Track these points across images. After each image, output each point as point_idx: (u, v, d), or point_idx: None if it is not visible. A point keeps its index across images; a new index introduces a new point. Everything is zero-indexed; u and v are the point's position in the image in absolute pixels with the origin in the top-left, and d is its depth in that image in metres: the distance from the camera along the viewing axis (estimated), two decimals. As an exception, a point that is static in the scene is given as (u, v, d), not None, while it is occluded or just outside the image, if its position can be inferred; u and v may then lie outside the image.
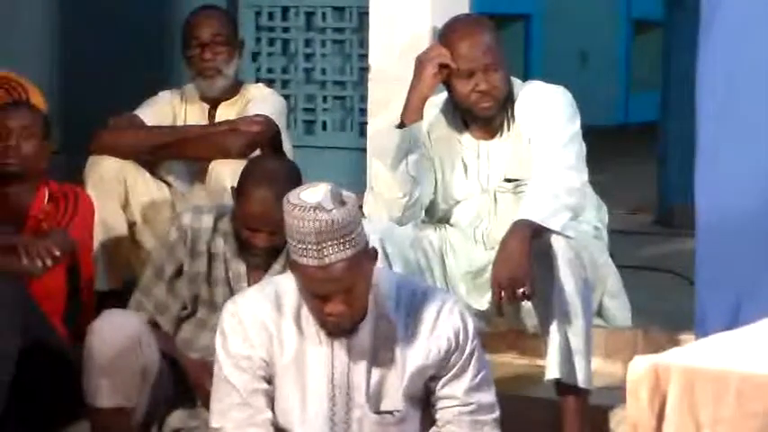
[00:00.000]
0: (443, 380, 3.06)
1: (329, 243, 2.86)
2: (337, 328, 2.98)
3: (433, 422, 3.11)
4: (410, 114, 3.72)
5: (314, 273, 2.88)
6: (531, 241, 3.45)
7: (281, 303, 3.03)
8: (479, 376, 3.07)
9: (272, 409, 3.05)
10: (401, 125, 3.72)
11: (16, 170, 3.90)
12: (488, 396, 3.09)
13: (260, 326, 3.03)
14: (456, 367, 3.05)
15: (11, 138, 3.88)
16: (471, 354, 3.05)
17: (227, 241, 3.64)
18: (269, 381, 3.05)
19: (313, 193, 2.88)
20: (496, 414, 3.10)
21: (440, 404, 3.08)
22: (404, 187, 3.72)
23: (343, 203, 2.88)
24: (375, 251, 2.98)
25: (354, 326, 3.00)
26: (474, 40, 3.69)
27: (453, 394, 3.06)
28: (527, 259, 3.41)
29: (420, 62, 3.73)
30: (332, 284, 2.89)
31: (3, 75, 4.62)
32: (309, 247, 2.86)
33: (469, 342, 3.05)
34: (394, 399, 3.05)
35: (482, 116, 3.75)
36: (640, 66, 10.77)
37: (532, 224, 3.48)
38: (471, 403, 3.06)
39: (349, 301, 2.93)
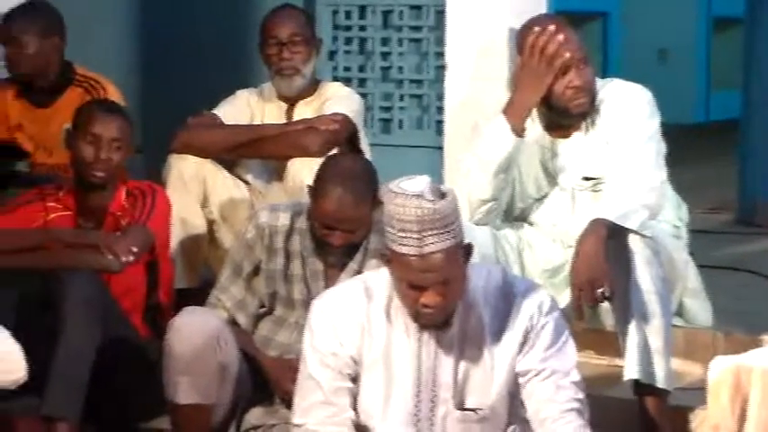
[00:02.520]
0: (520, 357, 3.06)
1: (430, 232, 2.88)
2: (430, 320, 3.00)
3: (516, 421, 3.10)
4: (522, 122, 3.70)
5: (413, 261, 2.90)
6: (606, 240, 3.43)
7: (370, 296, 3.06)
8: (554, 346, 3.05)
9: (355, 407, 3.07)
10: (518, 134, 3.70)
11: (102, 182, 3.95)
12: (564, 362, 3.05)
13: (350, 320, 3.05)
14: (529, 342, 3.05)
15: (101, 150, 3.91)
16: (543, 327, 3.04)
17: (303, 239, 3.66)
18: (354, 379, 3.07)
19: (415, 183, 2.91)
20: (576, 378, 3.06)
21: (521, 380, 3.06)
22: (496, 192, 3.73)
23: (443, 195, 2.91)
24: (470, 246, 2.99)
25: (446, 319, 3.01)
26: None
27: (529, 367, 3.04)
28: (604, 259, 3.40)
29: (533, 69, 3.68)
30: (429, 274, 2.91)
31: (83, 73, 4.69)
32: (410, 235, 2.89)
33: (542, 317, 3.05)
34: (479, 396, 3.05)
35: (576, 112, 3.73)
36: (721, 63, 10.67)
37: (609, 223, 3.47)
38: (545, 369, 3.03)
39: (444, 293, 2.94)
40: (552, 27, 3.69)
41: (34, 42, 4.56)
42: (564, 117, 3.76)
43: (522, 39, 3.75)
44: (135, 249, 3.80)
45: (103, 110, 4.01)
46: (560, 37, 3.68)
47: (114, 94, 4.61)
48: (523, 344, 3.05)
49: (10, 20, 4.59)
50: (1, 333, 3.23)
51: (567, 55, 3.66)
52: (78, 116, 4.01)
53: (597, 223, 3.48)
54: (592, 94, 3.72)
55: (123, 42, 5.38)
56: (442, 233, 2.90)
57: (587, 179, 3.78)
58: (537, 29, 3.70)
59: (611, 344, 3.84)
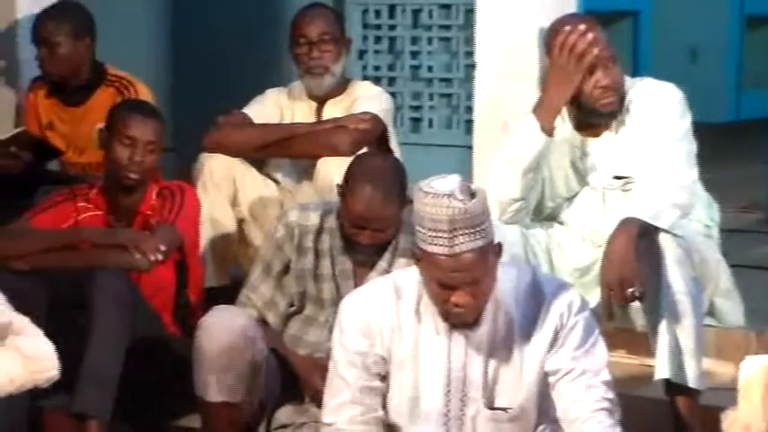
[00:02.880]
0: (549, 356, 3.05)
1: (461, 232, 2.89)
2: (460, 320, 3.00)
3: (546, 420, 3.10)
4: (552, 121, 3.70)
5: (443, 261, 2.91)
6: (637, 239, 3.43)
7: (400, 295, 3.06)
8: (584, 345, 3.04)
9: (384, 406, 3.08)
10: (548, 133, 3.70)
11: (135, 183, 3.97)
12: (594, 362, 3.05)
13: (379, 319, 3.06)
14: (559, 341, 3.04)
15: (137, 152, 3.94)
16: (573, 326, 3.04)
17: (333, 238, 3.67)
18: (383, 378, 3.07)
19: (445, 183, 2.91)
20: (607, 378, 3.06)
21: (550, 380, 3.06)
22: (525, 191, 3.73)
23: (473, 195, 2.91)
24: (500, 246, 2.99)
25: (476, 318, 3.01)
26: None
27: (559, 367, 3.04)
28: (635, 258, 3.39)
29: (563, 68, 3.68)
30: (460, 274, 2.91)
31: (114, 73, 4.71)
32: (441, 234, 2.89)
33: (572, 317, 3.04)
34: (509, 395, 3.05)
35: (604, 112, 3.73)
36: (753, 61, 10.61)
37: (640, 222, 3.47)
38: (575, 369, 3.03)
39: (475, 293, 2.95)
40: (582, 26, 3.69)
41: (67, 43, 4.59)
42: (593, 116, 3.76)
43: (550, 38, 3.75)
44: (163, 248, 3.82)
45: (140, 112, 4.03)
46: (589, 36, 3.68)
47: (145, 94, 4.63)
48: (553, 343, 3.04)
49: (43, 21, 4.62)
50: (34, 332, 3.25)
51: (596, 51, 3.66)
52: (113, 118, 4.03)
53: (628, 222, 3.47)
54: (620, 94, 3.72)
55: (154, 41, 5.41)
56: (472, 233, 2.91)
57: (618, 178, 3.78)
58: (567, 28, 3.70)
59: (642, 343, 3.83)
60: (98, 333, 3.67)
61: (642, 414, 3.61)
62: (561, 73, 3.69)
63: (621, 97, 3.75)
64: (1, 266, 3.82)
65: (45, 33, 4.58)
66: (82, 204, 4.05)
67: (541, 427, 3.11)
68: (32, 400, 3.32)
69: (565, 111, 3.78)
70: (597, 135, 3.81)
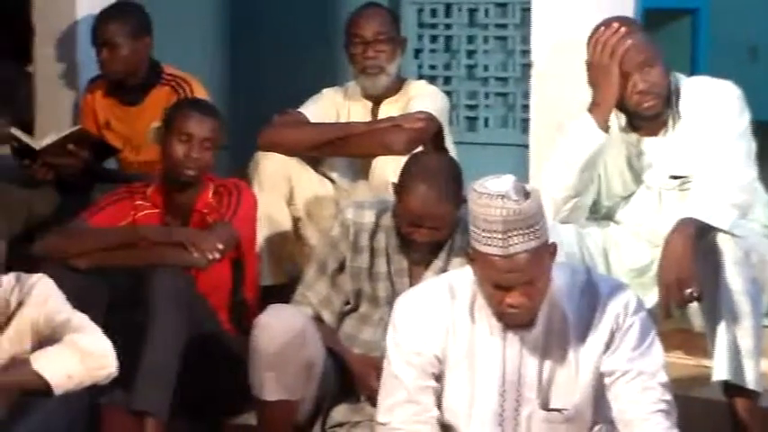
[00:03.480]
0: (605, 357, 3.04)
1: (515, 232, 2.88)
2: (515, 321, 3.00)
3: (602, 421, 3.10)
4: (606, 119, 3.71)
5: (497, 262, 2.90)
6: (695, 240, 3.41)
7: (454, 295, 3.06)
8: (641, 347, 3.03)
9: (439, 406, 3.08)
10: (605, 129, 3.70)
11: (192, 180, 4.00)
12: (650, 363, 3.03)
13: (434, 319, 3.06)
14: (615, 342, 3.03)
15: (194, 149, 3.97)
16: (629, 327, 3.03)
17: (389, 236, 3.68)
18: (438, 378, 3.07)
19: (499, 183, 2.91)
20: (663, 379, 3.04)
21: (606, 381, 3.05)
22: (580, 190, 3.72)
23: (527, 195, 2.90)
24: (555, 246, 2.99)
25: (531, 319, 3.01)
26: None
27: (615, 368, 3.03)
28: (692, 259, 3.38)
29: (604, 66, 3.69)
30: (514, 275, 2.91)
31: (170, 72, 4.75)
32: (495, 235, 2.89)
33: (628, 318, 3.03)
34: (564, 396, 3.05)
35: (647, 115, 3.73)
36: (813, 59, 10.50)
37: (697, 222, 3.45)
38: (631, 370, 3.01)
39: (529, 294, 2.94)
40: (616, 24, 3.70)
41: (127, 43, 4.64)
42: (638, 119, 3.76)
43: (590, 37, 3.77)
44: (220, 247, 3.84)
45: (197, 109, 4.06)
46: (622, 30, 3.68)
47: (201, 92, 4.67)
48: (609, 344, 3.03)
49: (103, 22, 4.66)
50: (92, 329, 3.29)
51: (629, 41, 3.65)
52: (171, 114, 4.06)
53: (685, 222, 3.46)
54: (661, 95, 3.70)
55: (211, 40, 5.44)
56: (526, 233, 2.90)
57: (674, 178, 3.76)
58: (602, 28, 3.72)
59: (700, 344, 3.81)
60: (156, 331, 3.70)
61: (700, 416, 3.59)
62: (601, 70, 3.69)
63: (676, 97, 3.73)
64: (60, 265, 3.86)
65: (106, 34, 4.63)
66: (139, 202, 4.08)
67: (597, 428, 3.10)
68: (92, 397, 3.35)
69: (621, 111, 3.78)
70: (653, 134, 3.79)
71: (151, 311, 3.71)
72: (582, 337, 3.04)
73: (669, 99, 3.73)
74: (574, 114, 3.80)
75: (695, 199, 3.55)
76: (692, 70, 6.81)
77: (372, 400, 3.37)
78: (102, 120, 4.80)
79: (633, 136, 3.81)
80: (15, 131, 4.64)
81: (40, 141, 4.63)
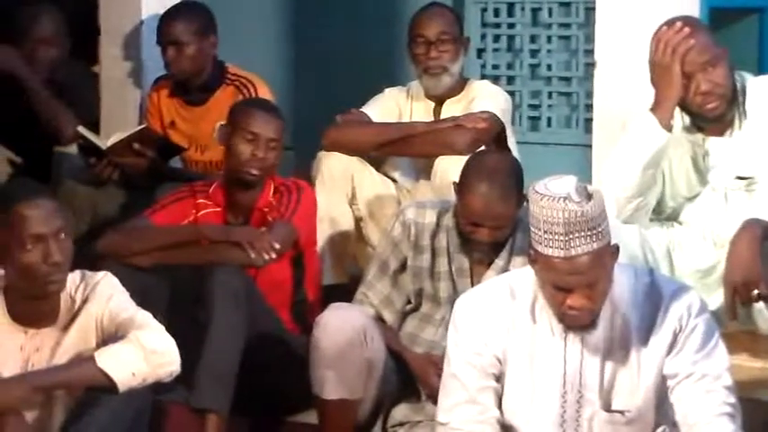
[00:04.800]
0: (668, 359, 3.03)
1: (577, 234, 2.87)
2: (576, 322, 2.99)
3: (665, 422, 3.08)
4: (669, 117, 3.69)
5: (559, 264, 2.89)
6: (761, 241, 3.38)
7: (515, 296, 3.06)
8: (704, 349, 3.01)
9: (500, 406, 3.08)
10: (668, 128, 3.69)
11: (256, 180, 4.02)
12: (714, 365, 3.01)
13: (495, 320, 3.05)
14: (678, 344, 3.01)
15: (258, 148, 3.99)
16: (693, 329, 3.01)
17: (450, 236, 3.68)
18: (498, 378, 3.07)
19: (561, 184, 2.90)
20: (728, 382, 3.02)
21: (669, 383, 3.03)
22: (643, 189, 3.70)
23: (590, 197, 2.89)
24: (617, 248, 2.97)
25: (592, 320, 3.00)
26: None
27: (678, 370, 3.01)
28: (759, 260, 3.35)
29: (666, 65, 3.67)
30: (576, 277, 2.90)
31: (234, 72, 4.77)
32: (556, 237, 2.88)
33: (692, 320, 3.01)
34: (626, 398, 3.03)
35: (710, 116, 3.71)
36: None
37: (764, 223, 3.42)
38: (695, 372, 3.00)
39: (591, 296, 2.93)
40: (679, 23, 3.68)
41: (193, 43, 4.67)
42: (701, 120, 3.73)
43: (653, 37, 3.75)
44: (277, 246, 3.86)
45: (263, 109, 4.08)
46: (685, 30, 3.65)
47: (265, 92, 4.69)
48: (672, 346, 3.01)
49: (169, 22, 4.69)
50: (156, 327, 3.31)
51: (691, 42, 3.63)
52: (236, 114, 4.09)
53: (752, 223, 3.43)
54: (725, 96, 3.68)
55: (274, 41, 5.46)
56: (588, 235, 2.88)
57: (740, 178, 3.73)
58: (665, 27, 3.70)
59: (765, 346, 3.78)
60: (215, 329, 3.72)
61: (765, 419, 3.56)
62: (663, 69, 3.67)
63: (742, 97, 3.70)
64: (123, 263, 3.90)
65: (172, 34, 4.66)
66: (201, 201, 4.11)
67: (660, 430, 3.08)
68: (154, 394, 3.37)
69: (686, 112, 3.76)
70: (719, 134, 3.77)
71: (210, 309, 3.73)
72: (644, 338, 3.02)
73: (735, 99, 3.70)
74: (637, 114, 3.79)
75: (761, 200, 3.52)
76: (759, 69, 6.74)
77: (433, 400, 3.37)
78: (167, 119, 4.83)
79: (698, 136, 3.78)
80: (82, 131, 4.70)
81: (106, 140, 4.67)
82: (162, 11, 4.83)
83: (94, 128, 4.93)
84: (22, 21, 5.16)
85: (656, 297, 3.04)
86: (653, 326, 3.02)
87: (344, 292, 4.02)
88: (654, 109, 3.70)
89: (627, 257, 3.56)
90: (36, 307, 3.33)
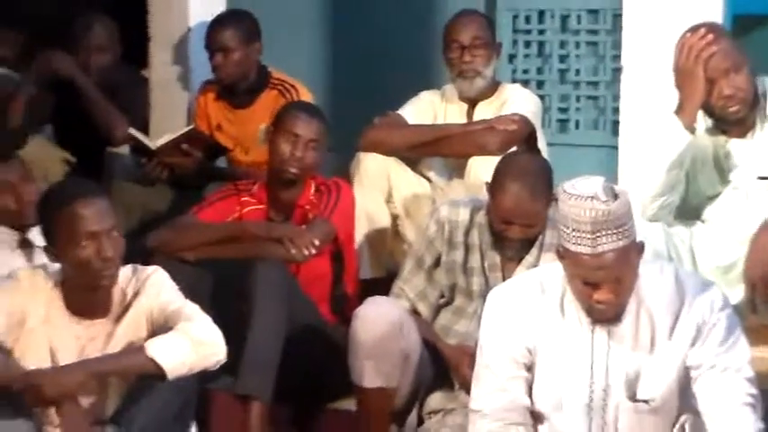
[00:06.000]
0: (692, 351, 3.03)
1: (603, 233, 2.88)
2: (603, 316, 3.00)
3: (687, 411, 3.08)
4: (692, 120, 3.69)
5: (586, 260, 2.90)
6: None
7: (545, 289, 3.06)
8: (727, 342, 3.01)
9: (530, 395, 3.09)
10: (691, 130, 3.69)
11: (294, 178, 4.04)
12: (736, 358, 3.01)
13: (525, 312, 3.06)
14: (701, 337, 3.02)
15: (297, 147, 4.01)
16: (715, 323, 3.01)
17: (482, 233, 3.69)
18: (529, 368, 3.08)
19: (588, 184, 2.91)
20: (749, 374, 3.01)
21: (692, 374, 3.03)
22: (668, 189, 3.70)
23: (616, 196, 2.90)
24: (642, 245, 2.97)
25: (618, 314, 3.01)
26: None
27: (701, 362, 3.01)
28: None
29: (690, 70, 3.67)
30: (602, 273, 2.91)
31: (277, 77, 4.79)
32: (584, 235, 2.89)
33: (714, 314, 3.01)
34: (650, 387, 3.04)
35: (732, 119, 3.70)
36: None
37: (784, 220, 3.42)
38: (717, 364, 3.00)
39: (617, 291, 2.94)
40: (702, 30, 3.67)
41: (240, 49, 4.69)
42: (724, 123, 3.72)
43: (677, 42, 3.74)
44: (316, 242, 3.88)
45: (305, 111, 4.11)
46: (709, 36, 3.64)
47: (306, 96, 4.70)
48: (695, 339, 3.01)
49: (217, 29, 4.71)
50: (203, 318, 3.33)
51: (714, 48, 3.61)
52: (280, 116, 4.11)
53: (773, 220, 3.43)
54: (746, 100, 3.67)
55: (314, 48, 5.47)
56: (615, 233, 2.89)
57: (762, 179, 3.73)
58: (689, 34, 3.69)
59: (785, 340, 3.77)
60: (258, 320, 3.74)
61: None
62: (687, 73, 3.67)
63: (764, 99, 3.69)
64: (171, 257, 3.92)
65: (220, 40, 4.68)
66: (245, 199, 4.13)
67: (683, 418, 3.08)
68: (201, 382, 3.39)
69: (708, 113, 3.76)
70: (740, 136, 3.76)
71: (254, 302, 3.75)
72: (668, 332, 3.02)
73: (756, 102, 3.70)
74: (662, 117, 3.78)
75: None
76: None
77: (466, 389, 3.38)
78: (214, 121, 4.86)
79: (720, 138, 3.78)
80: (133, 132, 4.73)
81: (156, 141, 4.70)
82: (209, 18, 4.85)
83: (145, 129, 4.97)
84: (77, 29, 5.22)
85: (680, 292, 3.04)
86: (677, 319, 3.02)
87: (381, 286, 4.03)
88: (678, 112, 3.70)
89: (652, 254, 3.55)
90: (90, 299, 3.35)
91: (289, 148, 4.00)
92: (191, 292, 3.44)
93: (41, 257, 3.41)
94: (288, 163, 4.00)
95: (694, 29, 3.72)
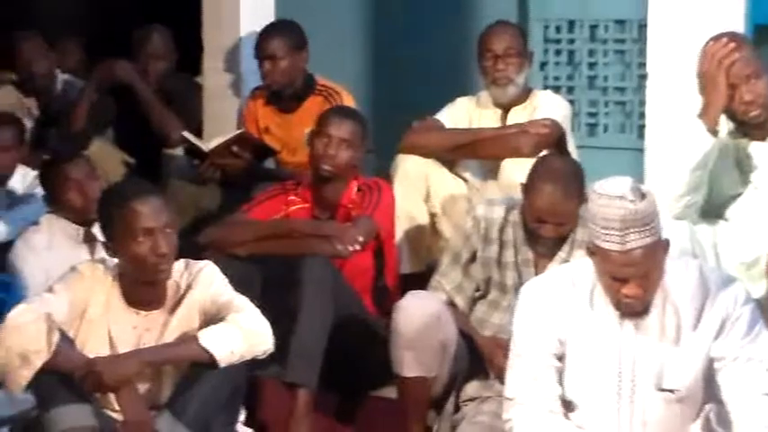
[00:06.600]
0: (715, 344, 3.00)
1: (631, 230, 2.86)
2: (631, 309, 2.97)
3: (712, 400, 3.04)
4: (714, 123, 3.65)
5: (615, 257, 2.88)
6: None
7: (575, 284, 3.04)
8: (750, 335, 2.98)
9: (561, 384, 3.06)
10: (714, 133, 3.65)
11: (328, 175, 4.02)
12: (759, 350, 2.97)
13: (557, 305, 3.04)
14: (725, 331, 2.99)
15: (330, 146, 4.00)
16: (738, 317, 2.98)
17: (516, 230, 3.66)
18: (560, 358, 3.06)
19: (618, 185, 2.89)
20: None
21: (716, 365, 3.00)
22: (692, 189, 3.66)
23: (643, 196, 2.88)
24: (668, 242, 2.95)
25: (645, 308, 2.98)
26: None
27: (724, 354, 2.98)
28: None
29: (712, 77, 3.63)
30: (631, 269, 2.89)
31: (322, 83, 4.78)
32: (613, 233, 2.87)
33: (737, 308, 2.98)
34: (676, 378, 3.01)
35: (753, 123, 3.67)
36: None
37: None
38: (740, 356, 2.97)
39: (644, 285, 2.92)
40: (725, 38, 3.64)
41: (287, 57, 4.68)
42: (747, 126, 3.68)
43: (701, 50, 3.70)
44: (361, 239, 3.86)
45: (339, 114, 4.12)
46: (731, 45, 3.61)
47: (349, 101, 4.69)
48: (719, 332, 2.99)
49: (266, 38, 4.71)
50: (252, 310, 3.32)
51: (736, 55, 3.57)
52: (319, 118, 4.13)
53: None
54: (766, 106, 3.63)
55: (357, 56, 5.46)
56: (642, 231, 2.87)
57: (783, 179, 3.69)
58: (712, 42, 3.65)
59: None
60: (306, 312, 3.72)
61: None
62: (710, 78, 3.64)
63: None
64: (222, 253, 3.91)
65: (269, 49, 4.67)
66: (291, 198, 4.12)
67: (708, 407, 3.05)
68: (250, 370, 3.38)
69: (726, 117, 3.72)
70: (761, 139, 3.74)
71: (301, 295, 3.74)
72: (693, 325, 3.00)
73: None
74: (686, 121, 3.75)
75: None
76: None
77: (501, 378, 3.35)
78: (263, 125, 4.85)
79: (742, 141, 3.75)
80: (187, 135, 4.73)
81: (209, 144, 4.70)
82: (258, 28, 4.85)
83: (198, 133, 4.97)
84: (136, 38, 5.24)
85: (704, 287, 3.01)
86: (701, 313, 3.00)
87: (420, 280, 4.01)
88: (701, 116, 3.66)
89: (677, 251, 3.51)
90: (146, 292, 3.35)
91: (322, 147, 3.99)
92: (241, 285, 3.43)
93: (104, 251, 3.40)
94: (321, 161, 4.00)
95: (717, 37, 3.69)
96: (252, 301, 3.35)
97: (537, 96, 4.47)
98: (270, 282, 3.92)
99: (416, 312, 3.54)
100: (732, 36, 3.70)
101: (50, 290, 3.32)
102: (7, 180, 4.72)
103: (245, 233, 4.00)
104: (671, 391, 3.01)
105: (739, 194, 3.77)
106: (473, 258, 3.72)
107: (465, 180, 4.48)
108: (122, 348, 3.30)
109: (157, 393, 3.32)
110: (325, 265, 3.80)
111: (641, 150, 4.60)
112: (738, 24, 4.19)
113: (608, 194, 2.88)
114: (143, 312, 3.35)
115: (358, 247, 3.86)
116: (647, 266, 2.90)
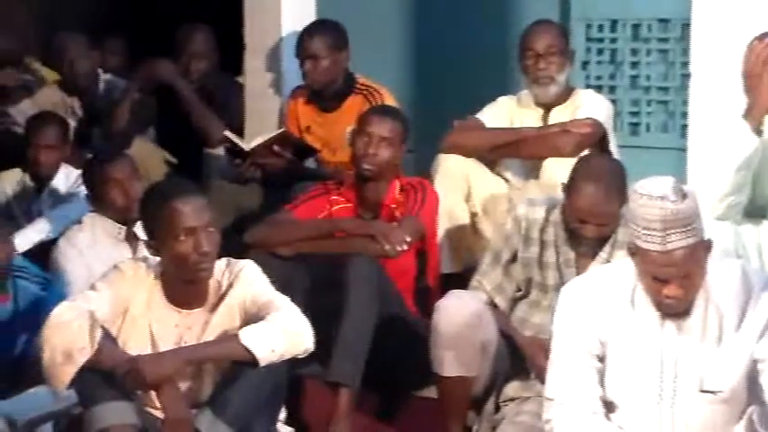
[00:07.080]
0: (759, 345, 2.97)
1: (673, 231, 2.84)
2: (672, 310, 2.96)
3: (755, 402, 3.01)
4: (759, 123, 3.62)
5: (656, 257, 2.87)
6: None
7: (617, 284, 3.03)
8: None
9: (602, 384, 3.05)
10: (758, 133, 3.62)
11: (369, 174, 4.03)
12: None
13: (598, 306, 3.03)
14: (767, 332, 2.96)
15: (371, 145, 4.00)
16: None
17: (557, 230, 3.65)
18: (601, 359, 3.04)
19: (659, 185, 2.88)
20: None
21: (759, 366, 2.98)
22: (736, 189, 3.64)
23: (685, 196, 2.86)
24: (710, 242, 2.93)
25: (687, 308, 2.96)
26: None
27: (767, 356, 2.96)
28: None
29: (757, 76, 3.61)
30: (672, 269, 2.88)
31: (363, 82, 4.79)
32: (654, 233, 2.85)
33: None
34: (719, 379, 2.99)
35: None
36: None
37: None
38: None
39: (685, 286, 2.91)
40: None
41: (328, 57, 4.69)
42: None
43: (746, 49, 3.67)
44: (408, 239, 3.87)
45: (378, 112, 4.14)
46: None
47: (389, 101, 4.69)
48: (762, 333, 2.96)
49: (307, 38, 4.72)
50: (292, 309, 3.33)
51: None
52: (360, 117, 4.15)
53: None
54: None
55: (399, 56, 5.46)
56: (683, 231, 2.86)
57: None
58: (756, 41, 3.62)
59: None
60: (350, 312, 3.73)
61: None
62: (754, 78, 3.60)
63: None
64: (266, 252, 3.92)
65: (310, 49, 4.69)
66: (334, 197, 4.13)
67: (751, 408, 3.03)
68: (292, 368, 3.39)
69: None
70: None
71: (347, 294, 3.74)
72: (736, 326, 2.98)
73: None
74: (729, 120, 3.72)
75: None
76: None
77: (541, 378, 3.34)
78: (304, 124, 4.86)
79: (785, 140, 3.70)
80: (228, 134, 4.75)
81: (250, 143, 4.72)
82: (299, 28, 4.86)
83: (239, 132, 4.99)
84: (178, 38, 5.26)
85: (747, 288, 2.99)
86: (744, 315, 2.98)
87: (460, 279, 4.01)
88: (745, 115, 3.63)
89: (720, 252, 3.49)
90: (188, 290, 3.37)
91: (362, 146, 3.99)
92: (285, 285, 3.45)
93: (146, 250, 3.43)
94: (362, 159, 4.00)
95: (762, 36, 3.66)
96: (296, 301, 3.35)
97: (579, 96, 4.46)
98: (314, 281, 3.93)
99: (457, 312, 3.53)
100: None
101: (93, 288, 3.34)
102: (51, 179, 4.77)
103: (291, 232, 4.01)
104: (713, 392, 3.00)
105: (783, 193, 3.74)
106: (514, 258, 3.71)
107: (506, 180, 4.47)
108: (163, 346, 3.32)
109: (198, 391, 3.34)
110: (372, 266, 3.81)
111: (684, 150, 4.57)
112: (783, 24, 4.15)
113: (649, 194, 2.86)
114: (184, 311, 3.37)
115: (405, 247, 3.87)
116: (688, 267, 2.89)
